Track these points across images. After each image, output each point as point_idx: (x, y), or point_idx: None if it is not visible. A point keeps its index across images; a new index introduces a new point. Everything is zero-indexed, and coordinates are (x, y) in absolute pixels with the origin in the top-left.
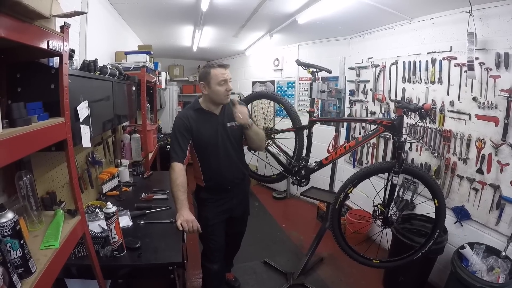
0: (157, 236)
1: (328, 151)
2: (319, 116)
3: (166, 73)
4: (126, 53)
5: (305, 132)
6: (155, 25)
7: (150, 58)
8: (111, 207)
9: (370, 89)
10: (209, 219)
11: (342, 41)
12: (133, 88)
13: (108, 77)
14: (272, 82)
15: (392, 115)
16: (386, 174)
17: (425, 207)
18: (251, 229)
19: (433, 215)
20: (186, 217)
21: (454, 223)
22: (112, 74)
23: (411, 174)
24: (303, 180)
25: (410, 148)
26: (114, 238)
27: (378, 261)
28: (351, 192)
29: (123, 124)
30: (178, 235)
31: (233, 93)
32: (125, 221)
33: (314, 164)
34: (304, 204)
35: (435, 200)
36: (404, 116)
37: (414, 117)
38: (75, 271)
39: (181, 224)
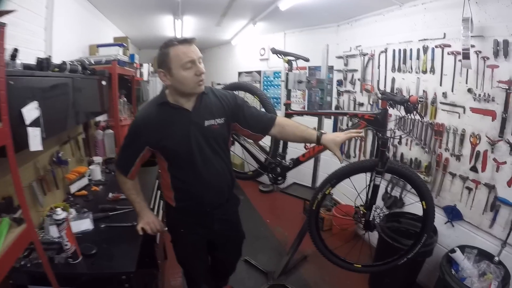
0: (116, 241)
1: (305, 147)
2: (306, 108)
3: (149, 64)
4: (98, 46)
5: None
6: (133, 15)
7: (124, 51)
8: (60, 213)
9: (358, 79)
10: (185, 246)
11: (329, 29)
12: (104, 82)
13: (67, 73)
14: (259, 72)
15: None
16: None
17: (416, 204)
18: None
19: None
20: (146, 219)
21: (445, 223)
22: (73, 70)
23: (396, 174)
24: (279, 178)
25: (400, 142)
26: (67, 245)
27: (360, 266)
28: (329, 192)
29: (97, 120)
30: (136, 241)
31: (219, 84)
32: (86, 224)
33: (289, 161)
34: (291, 198)
35: (423, 202)
36: (390, 109)
37: (400, 110)
38: (35, 278)
39: (142, 228)
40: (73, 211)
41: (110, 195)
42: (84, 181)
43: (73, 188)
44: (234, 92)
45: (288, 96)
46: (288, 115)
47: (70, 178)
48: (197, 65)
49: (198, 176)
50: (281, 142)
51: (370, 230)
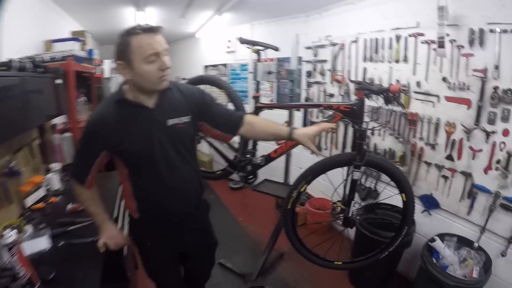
0: (77, 260)
1: (277, 142)
2: (275, 101)
3: (110, 61)
4: (53, 41)
5: None
6: (92, 8)
7: (81, 46)
8: (9, 236)
9: (328, 70)
10: (154, 260)
11: (299, 19)
12: (58, 81)
13: (14, 72)
14: (225, 65)
15: (353, 97)
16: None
17: (390, 194)
18: None
19: (398, 203)
20: (108, 234)
21: (422, 212)
22: (22, 68)
23: (375, 167)
24: (249, 177)
25: (373, 133)
26: (19, 272)
27: (341, 263)
28: (305, 189)
29: (53, 123)
30: (98, 259)
31: (184, 79)
32: (43, 243)
33: (260, 158)
34: (263, 194)
35: (403, 194)
36: (366, 99)
37: (377, 100)
38: None
39: (105, 244)
40: (29, 228)
41: (70, 206)
42: (41, 192)
43: (29, 201)
44: (200, 87)
45: (257, 88)
46: (258, 108)
47: (25, 191)
48: (162, 58)
49: (162, 183)
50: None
51: (350, 227)
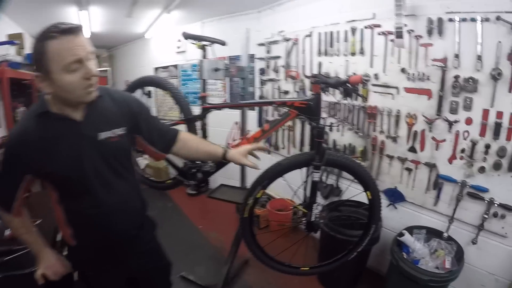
0: None
1: (228, 145)
2: (228, 101)
3: None
4: None
5: (199, 124)
6: (31, 8)
7: (18, 50)
8: None
9: (282, 66)
10: None
11: (250, 15)
12: None
13: None
14: (176, 66)
15: (309, 93)
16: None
17: (353, 190)
18: (164, 236)
19: (362, 199)
20: (46, 263)
21: (387, 206)
22: None
23: (337, 166)
24: (201, 185)
25: (331, 129)
26: None
27: (308, 268)
28: (261, 195)
29: None
30: None
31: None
32: None
33: (211, 165)
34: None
35: (368, 192)
36: (323, 94)
37: (335, 94)
38: None
39: (43, 274)
40: None
41: (6, 232)
42: None
43: None
44: (142, 90)
45: (203, 88)
46: (205, 110)
47: None
48: (86, 64)
49: (98, 205)
50: None
51: (314, 231)
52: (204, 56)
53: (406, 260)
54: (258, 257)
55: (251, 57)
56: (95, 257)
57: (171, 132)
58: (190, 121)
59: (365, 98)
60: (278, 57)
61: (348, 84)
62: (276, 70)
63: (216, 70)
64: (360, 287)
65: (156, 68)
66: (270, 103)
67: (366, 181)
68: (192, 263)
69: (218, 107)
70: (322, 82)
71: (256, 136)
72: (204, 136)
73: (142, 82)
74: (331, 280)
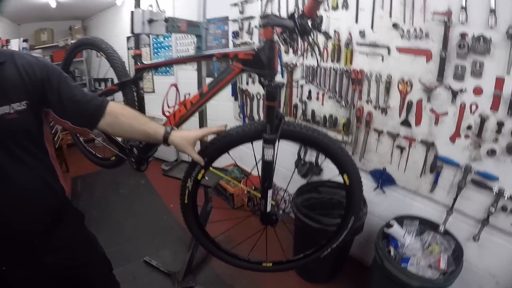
0: None
1: (163, 113)
2: None
3: (20, 40)
4: None
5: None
6: None
7: None
8: None
9: (255, 27)
10: None
11: None
12: None
13: None
14: (148, 35)
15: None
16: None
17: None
18: (132, 217)
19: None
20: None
21: (374, 189)
22: None
23: (298, 140)
24: (141, 163)
25: (309, 97)
26: None
27: (271, 264)
28: (203, 176)
29: None
30: None
31: None
32: None
33: None
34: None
35: (345, 176)
36: (278, 41)
37: (294, 38)
38: None
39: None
40: None
41: None
42: None
43: None
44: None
45: (137, 45)
46: (139, 71)
47: None
48: None
49: None
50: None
51: (271, 224)
52: (137, 5)
53: (393, 260)
54: (207, 247)
55: (225, 20)
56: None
57: (93, 103)
58: (123, 86)
59: (328, 35)
60: (252, 17)
61: (304, 18)
62: (250, 32)
63: (150, 21)
64: (341, 280)
65: (128, 37)
66: (209, 57)
67: (342, 162)
68: (158, 246)
69: (155, 65)
70: (273, 24)
71: (193, 100)
72: (140, 104)
73: (80, 44)
74: (308, 272)
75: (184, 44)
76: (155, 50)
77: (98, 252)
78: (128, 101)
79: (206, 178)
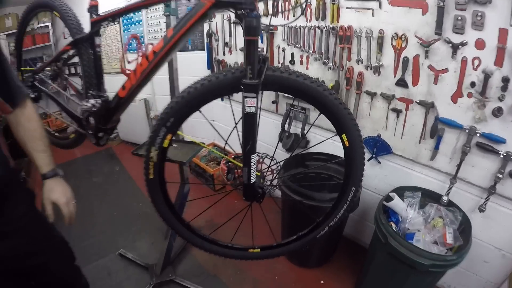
0: None
1: (123, 71)
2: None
3: None
4: None
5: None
6: None
7: None
8: None
9: None
10: None
11: None
12: None
13: None
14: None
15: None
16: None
17: (323, 141)
18: (106, 206)
19: (332, 150)
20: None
21: (368, 160)
22: None
23: (285, 89)
24: (98, 135)
25: (292, 61)
26: None
27: (259, 250)
28: (170, 143)
29: None
30: None
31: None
32: None
33: (96, 102)
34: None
35: (343, 136)
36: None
37: None
38: None
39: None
40: None
41: None
42: None
43: None
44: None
45: None
46: (95, 23)
47: None
48: None
49: None
50: (95, 73)
51: (256, 200)
52: None
53: (398, 236)
54: (184, 236)
55: None
56: None
57: (18, 85)
58: (77, 44)
59: None
60: None
61: None
62: None
63: None
64: (335, 262)
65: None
66: None
67: (341, 117)
68: (134, 237)
69: (110, 15)
70: None
71: (155, 49)
72: (97, 64)
73: (33, 8)
74: (299, 256)
75: (156, 17)
76: (124, 26)
77: (55, 235)
78: (84, 62)
79: (175, 145)
